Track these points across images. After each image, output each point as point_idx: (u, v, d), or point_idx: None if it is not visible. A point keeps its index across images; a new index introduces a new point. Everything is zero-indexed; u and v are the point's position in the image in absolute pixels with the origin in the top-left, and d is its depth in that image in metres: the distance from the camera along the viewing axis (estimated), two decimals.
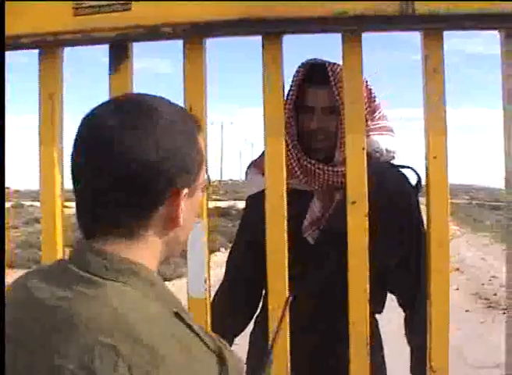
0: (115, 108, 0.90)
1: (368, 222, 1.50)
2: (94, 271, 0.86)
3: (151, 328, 0.79)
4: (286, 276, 1.53)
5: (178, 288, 8.27)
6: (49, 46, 1.59)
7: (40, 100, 1.63)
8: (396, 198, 1.79)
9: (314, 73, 1.77)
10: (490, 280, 8.90)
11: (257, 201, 1.66)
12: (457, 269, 9.70)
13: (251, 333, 2.04)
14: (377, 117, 1.85)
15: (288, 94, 1.78)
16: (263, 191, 1.56)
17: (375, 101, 1.85)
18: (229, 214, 19.60)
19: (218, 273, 2.22)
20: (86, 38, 1.55)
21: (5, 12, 1.48)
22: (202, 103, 1.57)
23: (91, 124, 0.91)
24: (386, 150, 1.84)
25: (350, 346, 1.51)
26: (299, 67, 1.81)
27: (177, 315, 0.84)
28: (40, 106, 1.64)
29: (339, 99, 1.70)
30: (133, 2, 1.50)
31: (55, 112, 1.63)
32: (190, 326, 0.84)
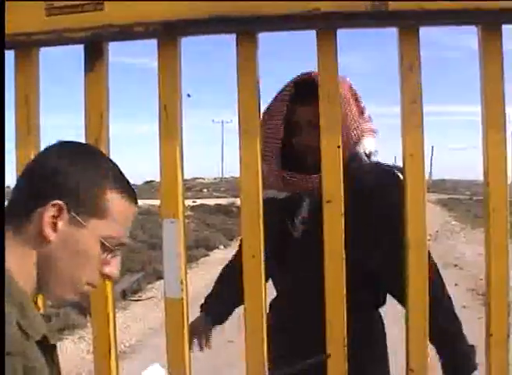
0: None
1: (343, 221, 1.49)
2: None
3: None
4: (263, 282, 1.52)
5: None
6: (23, 46, 1.58)
7: (16, 102, 1.62)
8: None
9: (303, 89, 1.77)
10: None
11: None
12: (455, 266, 9.68)
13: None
14: (366, 119, 1.85)
15: (277, 110, 1.80)
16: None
17: (361, 102, 1.85)
18: (230, 211, 19.60)
19: (217, 272, 2.21)
20: (59, 38, 1.53)
21: (5, 12, 1.46)
22: (177, 102, 1.56)
23: None
24: (375, 151, 1.88)
25: (327, 345, 1.50)
26: (289, 82, 1.81)
27: None
28: (16, 108, 1.62)
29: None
30: (105, 2, 1.49)
31: (31, 116, 1.62)
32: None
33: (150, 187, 36.71)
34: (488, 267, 1.47)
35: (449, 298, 1.75)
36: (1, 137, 1.22)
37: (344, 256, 1.49)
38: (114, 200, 1.03)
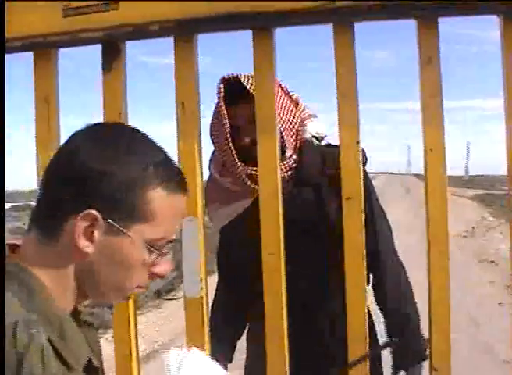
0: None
1: (363, 217, 1.47)
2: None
3: None
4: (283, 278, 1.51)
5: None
6: (41, 48, 1.59)
7: (36, 102, 1.64)
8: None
9: (232, 91, 1.77)
10: None
11: (228, 229, 1.90)
12: (492, 262, 9.51)
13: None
14: (302, 107, 1.91)
15: (218, 113, 1.79)
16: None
17: (293, 94, 1.91)
18: None
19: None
20: (76, 39, 1.55)
21: (5, 12, 1.48)
22: (195, 100, 1.55)
23: None
24: (322, 134, 1.94)
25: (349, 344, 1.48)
26: (217, 87, 1.79)
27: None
28: (36, 108, 1.64)
29: None
30: (120, 2, 1.49)
31: (51, 114, 1.64)
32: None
33: None
34: None
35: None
36: (2, 137, 1.22)
37: (365, 253, 1.47)
38: (158, 198, 0.89)
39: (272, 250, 1.50)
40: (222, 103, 1.76)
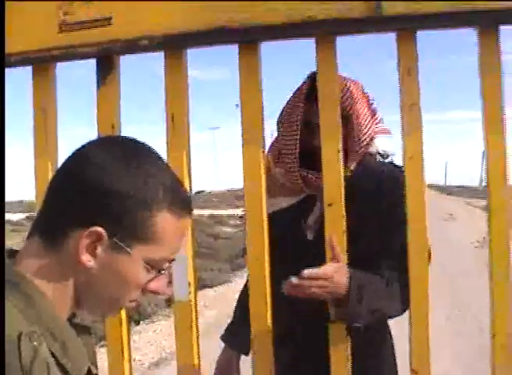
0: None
1: (345, 223, 1.52)
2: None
3: None
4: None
5: (220, 294, 8.33)
6: (39, 62, 1.66)
7: (34, 114, 1.71)
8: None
9: (315, 88, 1.73)
10: None
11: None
12: None
13: None
14: (378, 120, 1.86)
15: (293, 112, 1.79)
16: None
17: (372, 104, 1.86)
18: None
19: None
20: (72, 53, 1.62)
21: (5, 12, 1.56)
22: (184, 112, 1.61)
23: None
24: (389, 151, 1.87)
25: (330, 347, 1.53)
26: (302, 83, 1.80)
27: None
28: (34, 120, 1.71)
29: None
30: (113, 19, 1.56)
31: (49, 126, 1.71)
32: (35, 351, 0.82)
33: None
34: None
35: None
36: (2, 138, 1.27)
37: (346, 257, 1.52)
38: (163, 221, 0.91)
39: (258, 256, 1.56)
40: (303, 97, 1.76)
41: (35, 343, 0.81)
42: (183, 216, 0.94)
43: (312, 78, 1.77)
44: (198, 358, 1.62)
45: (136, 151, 0.94)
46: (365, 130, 1.77)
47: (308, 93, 1.77)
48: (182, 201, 0.94)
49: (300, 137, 1.78)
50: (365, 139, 1.77)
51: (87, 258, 0.88)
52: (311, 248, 1.84)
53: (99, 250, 0.88)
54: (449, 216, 18.92)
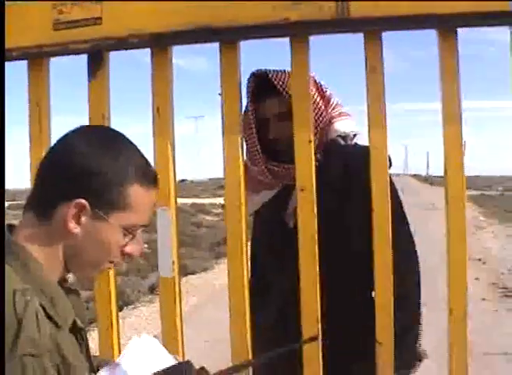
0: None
1: (315, 208, 1.66)
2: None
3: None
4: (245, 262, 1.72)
5: (204, 280, 8.48)
6: (34, 57, 1.79)
7: (29, 106, 1.83)
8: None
9: (261, 85, 1.92)
10: (510, 270, 8.92)
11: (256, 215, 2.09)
12: (479, 260, 9.72)
13: None
14: (333, 105, 1.99)
15: (247, 106, 1.93)
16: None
17: (326, 91, 1.99)
18: None
19: None
20: (65, 49, 1.74)
21: (5, 12, 1.67)
22: (169, 104, 1.75)
23: None
24: (351, 132, 2.00)
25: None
26: (247, 80, 1.94)
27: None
28: (30, 113, 1.84)
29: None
30: (103, 17, 1.69)
31: (43, 118, 1.83)
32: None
33: None
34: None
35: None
36: (2, 138, 1.38)
37: (317, 242, 1.67)
38: (135, 193, 1.11)
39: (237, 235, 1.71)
40: (253, 97, 1.91)
41: (28, 297, 0.99)
42: (151, 188, 1.15)
43: (256, 75, 1.92)
44: (182, 330, 1.77)
45: (111, 137, 1.17)
46: (318, 117, 1.88)
47: (255, 91, 1.92)
48: (149, 176, 1.15)
49: (259, 134, 1.93)
50: (318, 125, 1.88)
51: (73, 226, 1.08)
52: (293, 235, 1.97)
53: (83, 219, 1.08)
54: (432, 206, 19.19)
